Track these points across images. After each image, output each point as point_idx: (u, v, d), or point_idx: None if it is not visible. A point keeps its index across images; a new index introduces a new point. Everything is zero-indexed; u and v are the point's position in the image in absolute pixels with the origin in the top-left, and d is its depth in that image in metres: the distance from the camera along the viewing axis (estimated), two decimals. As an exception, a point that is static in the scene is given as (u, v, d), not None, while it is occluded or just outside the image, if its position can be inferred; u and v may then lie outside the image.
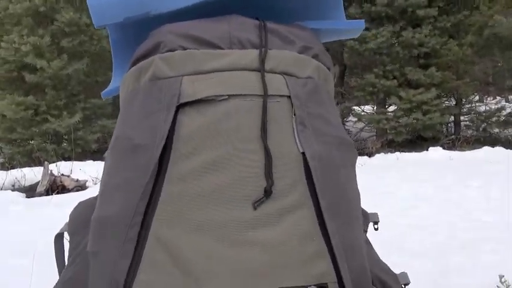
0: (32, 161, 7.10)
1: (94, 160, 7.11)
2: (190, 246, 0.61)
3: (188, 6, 0.79)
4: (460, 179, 4.46)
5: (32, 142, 7.33)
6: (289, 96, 0.70)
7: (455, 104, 8.70)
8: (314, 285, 0.61)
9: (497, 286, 1.76)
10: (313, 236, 0.63)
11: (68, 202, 4.26)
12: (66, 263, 0.98)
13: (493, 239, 2.54)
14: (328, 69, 0.83)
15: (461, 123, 8.80)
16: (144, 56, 0.78)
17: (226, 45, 0.73)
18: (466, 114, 8.83)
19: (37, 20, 7.41)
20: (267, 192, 0.63)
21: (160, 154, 0.66)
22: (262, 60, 0.71)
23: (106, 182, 0.72)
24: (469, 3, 8.30)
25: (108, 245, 0.66)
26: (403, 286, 1.02)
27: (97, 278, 0.68)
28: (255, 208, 0.62)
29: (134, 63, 0.80)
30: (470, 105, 8.89)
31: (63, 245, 1.07)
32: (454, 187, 4.12)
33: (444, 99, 8.76)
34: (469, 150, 6.87)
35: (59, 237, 1.07)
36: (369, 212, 1.17)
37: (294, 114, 0.69)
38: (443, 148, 6.97)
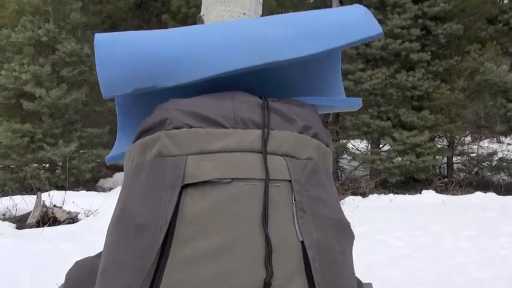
0: (24, 188, 7.03)
1: (87, 190, 7.05)
2: None
3: (192, 82, 0.82)
4: (453, 227, 4.48)
5: (26, 169, 7.28)
6: (289, 180, 0.72)
7: (448, 146, 8.83)
8: None
9: None
10: None
11: (59, 236, 4.20)
12: None
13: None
14: (327, 145, 0.87)
15: (454, 165, 8.90)
16: (150, 130, 0.80)
17: (230, 124, 0.75)
18: (458, 155, 8.95)
19: (38, 49, 7.51)
20: (266, 284, 0.63)
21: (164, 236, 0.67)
22: (265, 142, 0.73)
23: (108, 260, 0.73)
24: (461, 49, 8.58)
25: None
26: None
27: None
28: None
29: (140, 136, 0.83)
30: (462, 147, 9.03)
31: None
32: (447, 236, 4.13)
33: (437, 140, 8.90)
34: (462, 194, 6.93)
35: None
36: (364, 282, 1.18)
37: (294, 200, 0.71)
38: (436, 191, 7.03)
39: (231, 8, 1.12)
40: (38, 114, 7.47)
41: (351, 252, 0.80)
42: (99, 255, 1.03)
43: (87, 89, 7.88)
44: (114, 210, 0.81)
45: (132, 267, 0.67)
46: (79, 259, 1.12)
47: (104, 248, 0.78)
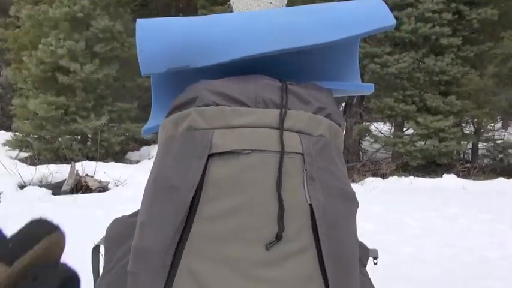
0: (57, 157, 7.43)
1: (116, 161, 7.38)
2: (213, 277, 0.72)
3: (220, 63, 0.92)
4: (470, 211, 4.53)
5: (60, 140, 7.67)
6: (302, 154, 0.83)
7: (474, 132, 8.71)
8: None
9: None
10: (315, 278, 0.74)
11: (91, 203, 4.50)
12: (100, 273, 1.15)
13: (492, 276, 2.64)
14: (339, 125, 0.99)
15: (479, 151, 8.79)
16: (182, 106, 0.91)
17: (252, 103, 0.84)
18: (484, 142, 8.82)
19: (74, 25, 7.76)
20: (278, 237, 0.74)
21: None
22: (282, 120, 0.83)
23: (145, 216, 0.84)
24: (495, 34, 8.34)
25: (146, 269, 0.78)
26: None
27: None
28: (267, 249, 0.73)
29: (173, 111, 0.95)
30: (488, 134, 8.88)
31: (99, 257, 1.24)
32: (463, 219, 4.20)
33: (464, 126, 8.78)
34: (484, 180, 6.89)
35: (96, 250, 1.24)
36: (370, 247, 1.31)
37: (305, 170, 0.81)
38: (458, 176, 7.00)
39: (258, -3, 1.24)
40: (72, 88, 7.77)
41: (354, 218, 0.88)
42: (133, 214, 1.19)
43: (118, 65, 8.12)
44: (150, 174, 0.94)
45: (165, 221, 0.78)
46: (116, 217, 1.29)
47: (141, 205, 0.89)
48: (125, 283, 0.86)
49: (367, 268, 1.24)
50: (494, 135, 8.89)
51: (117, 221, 1.21)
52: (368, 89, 1.11)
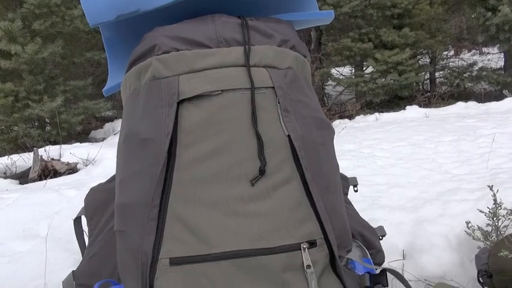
0: (18, 147, 7.10)
1: (81, 142, 7.15)
2: (202, 220, 0.73)
3: (173, 3, 0.86)
4: (434, 135, 4.71)
5: (16, 128, 7.31)
6: (273, 87, 0.82)
7: (430, 62, 8.95)
8: (306, 241, 0.74)
9: (464, 231, 1.96)
10: (303, 204, 0.76)
11: (63, 185, 4.36)
12: (87, 243, 1.13)
13: (462, 190, 2.79)
14: (304, 56, 0.98)
15: (436, 79, 9.08)
16: (141, 58, 0.88)
17: (214, 44, 0.82)
18: (440, 70, 9.10)
19: (5, 3, 7.20)
20: (261, 171, 0.75)
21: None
22: (247, 56, 0.81)
23: (123, 173, 0.83)
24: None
25: (133, 225, 0.77)
26: (380, 237, 1.21)
27: (125, 252, 0.80)
28: (252, 185, 0.74)
29: (132, 64, 0.91)
30: (443, 62, 9.16)
31: (82, 228, 1.21)
32: (429, 144, 4.37)
33: (419, 57, 8.99)
34: (444, 106, 7.17)
35: (77, 221, 1.21)
36: (349, 176, 1.35)
37: (278, 103, 0.81)
38: (420, 106, 7.25)
39: None
40: (18, 72, 7.32)
41: (332, 144, 0.90)
42: (109, 180, 1.15)
43: (63, 41, 7.67)
44: (120, 133, 0.91)
45: (145, 174, 0.77)
46: (93, 186, 1.25)
47: (116, 165, 0.87)
48: (115, 246, 0.85)
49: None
50: (448, 63, 9.18)
51: (93, 190, 1.17)
52: (328, 15, 1.09)
